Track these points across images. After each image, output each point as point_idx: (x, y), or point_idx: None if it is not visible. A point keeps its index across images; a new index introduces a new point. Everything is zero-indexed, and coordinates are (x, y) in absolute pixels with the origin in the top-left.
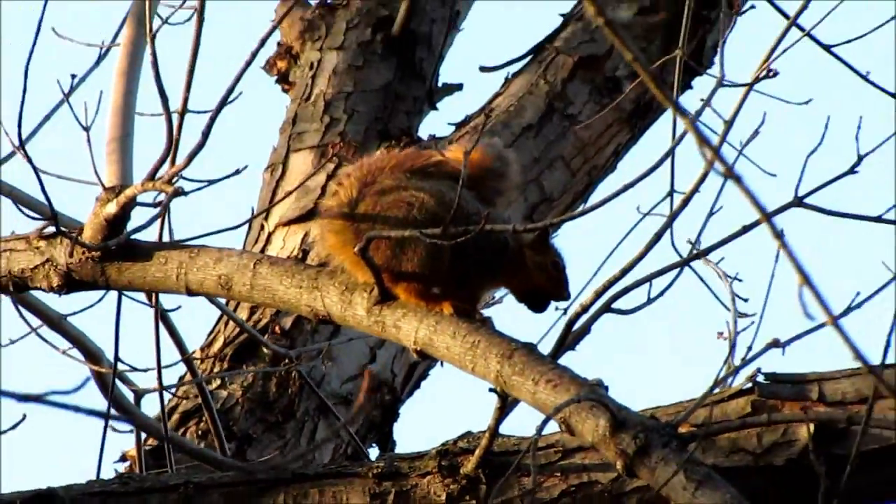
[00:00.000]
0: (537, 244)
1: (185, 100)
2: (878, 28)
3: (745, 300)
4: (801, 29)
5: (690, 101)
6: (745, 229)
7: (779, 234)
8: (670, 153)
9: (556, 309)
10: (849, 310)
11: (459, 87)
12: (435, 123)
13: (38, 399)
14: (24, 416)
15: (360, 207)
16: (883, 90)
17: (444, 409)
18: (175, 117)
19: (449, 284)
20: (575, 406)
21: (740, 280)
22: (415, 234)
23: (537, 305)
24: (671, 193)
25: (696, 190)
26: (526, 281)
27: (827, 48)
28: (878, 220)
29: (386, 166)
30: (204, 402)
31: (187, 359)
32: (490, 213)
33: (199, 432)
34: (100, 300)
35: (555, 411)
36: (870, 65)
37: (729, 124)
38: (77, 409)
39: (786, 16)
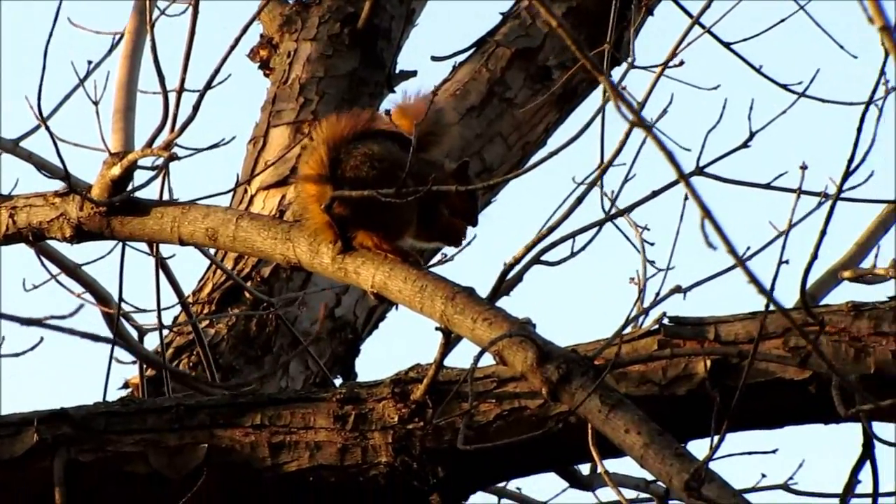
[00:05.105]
0: (458, 175)
1: (183, 80)
2: (772, 28)
3: (652, 244)
4: (703, 27)
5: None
6: (655, 193)
7: (687, 180)
8: (595, 121)
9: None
10: (751, 254)
11: (414, 73)
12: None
13: (38, 323)
14: (42, 339)
15: (332, 170)
16: (772, 80)
17: (398, 346)
18: (172, 95)
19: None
20: (507, 340)
21: (649, 229)
22: (372, 194)
23: (455, 237)
24: (600, 165)
25: (617, 153)
26: (450, 207)
27: (726, 44)
28: (767, 186)
29: (341, 132)
30: (197, 339)
31: (183, 302)
32: (435, 174)
33: (191, 364)
34: (110, 251)
35: (489, 344)
36: (766, 52)
37: (647, 95)
38: (72, 332)
39: (689, 14)
